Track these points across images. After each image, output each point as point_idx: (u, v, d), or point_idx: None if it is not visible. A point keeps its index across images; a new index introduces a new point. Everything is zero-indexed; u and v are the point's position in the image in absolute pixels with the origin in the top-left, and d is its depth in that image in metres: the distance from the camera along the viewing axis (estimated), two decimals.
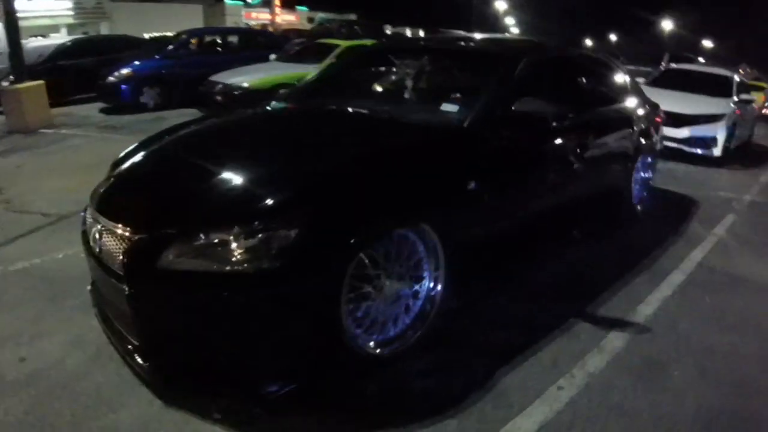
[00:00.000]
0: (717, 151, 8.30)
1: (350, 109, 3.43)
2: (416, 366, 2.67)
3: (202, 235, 2.16)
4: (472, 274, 3.02)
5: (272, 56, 10.52)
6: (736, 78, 9.60)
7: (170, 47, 10.87)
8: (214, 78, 8.98)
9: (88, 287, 2.87)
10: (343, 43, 10.34)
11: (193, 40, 11.44)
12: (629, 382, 2.76)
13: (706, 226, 5.37)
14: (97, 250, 2.44)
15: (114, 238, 2.33)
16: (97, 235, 2.45)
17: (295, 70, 8.97)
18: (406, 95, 3.78)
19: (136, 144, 3.22)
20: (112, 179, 2.84)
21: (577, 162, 3.88)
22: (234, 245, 2.12)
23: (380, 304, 2.55)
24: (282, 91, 4.37)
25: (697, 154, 8.23)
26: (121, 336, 2.44)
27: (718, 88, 9.01)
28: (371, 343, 2.55)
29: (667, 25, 39.55)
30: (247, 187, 2.41)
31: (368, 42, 9.85)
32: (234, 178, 2.48)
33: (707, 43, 44.50)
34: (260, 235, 2.12)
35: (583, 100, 4.30)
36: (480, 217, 2.95)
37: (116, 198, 2.65)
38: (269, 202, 2.23)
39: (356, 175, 2.48)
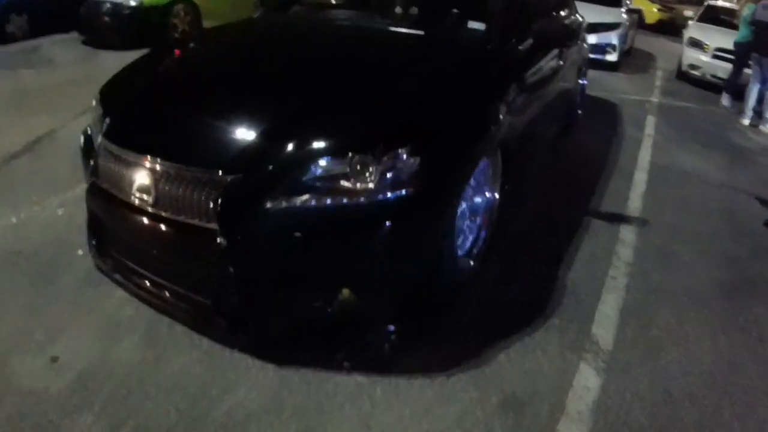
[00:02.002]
0: (614, 57, 9.35)
1: (384, 27, 3.45)
2: (490, 278, 2.99)
3: (315, 168, 2.04)
4: (514, 180, 3.33)
5: None
6: None
7: None
8: None
9: (92, 253, 2.58)
10: None
11: None
12: (656, 265, 3.37)
13: (636, 129, 6.27)
14: (145, 201, 2.16)
15: (186, 184, 2.07)
16: (145, 183, 2.15)
17: None
18: (409, 9, 3.87)
19: (133, 65, 3.02)
20: (140, 111, 2.51)
21: (556, 70, 4.33)
22: (357, 174, 2.04)
23: (463, 220, 2.81)
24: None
25: (598, 60, 9.19)
26: (189, 301, 2.25)
27: None
28: (461, 258, 2.80)
29: None
30: (355, 114, 2.31)
31: None
32: (325, 102, 2.38)
33: None
34: (385, 163, 2.06)
35: (548, 12, 4.70)
36: (515, 126, 3.22)
37: (172, 134, 2.31)
38: (388, 129, 2.22)
39: (449, 102, 2.53)
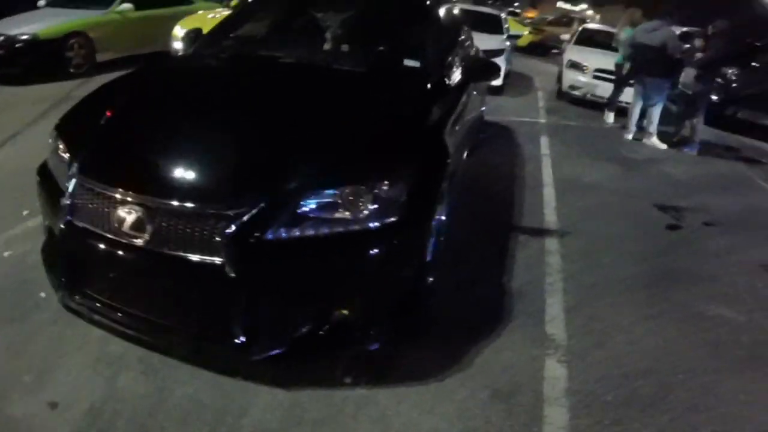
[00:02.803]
0: (500, 81, 10.18)
1: (327, 64, 3.69)
2: (449, 285, 3.29)
3: (311, 201, 2.24)
4: (454, 199, 3.65)
5: (42, 2, 9.62)
6: (503, 17, 11.74)
7: None
8: None
9: (62, 293, 2.57)
10: None
11: None
12: (582, 267, 3.85)
13: (533, 147, 6.97)
14: (139, 238, 2.24)
15: (186, 221, 2.20)
16: (138, 221, 2.23)
17: (85, 15, 8.82)
18: (341, 46, 4.12)
19: (90, 100, 3.13)
20: (120, 147, 2.59)
21: (472, 98, 4.79)
22: (351, 204, 2.27)
23: None
24: (197, 36, 4.20)
25: None
26: (188, 330, 2.38)
27: (492, 26, 10.92)
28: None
29: None
30: (340, 149, 2.50)
31: None
32: (307, 139, 2.56)
33: None
34: (374, 194, 2.29)
35: (461, 44, 5.20)
36: (453, 144, 3.51)
37: (163, 172, 2.39)
38: (373, 163, 2.47)
39: (417, 135, 2.81)
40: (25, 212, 3.82)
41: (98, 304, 2.48)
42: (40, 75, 7.83)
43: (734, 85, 9.61)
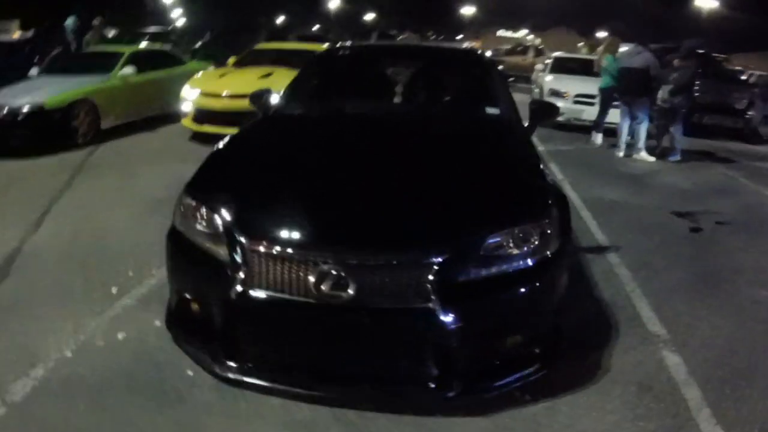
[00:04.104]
0: None
1: (420, 115, 4.16)
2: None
3: (489, 243, 2.52)
4: None
5: (34, 71, 9.71)
6: None
7: None
8: None
9: (227, 367, 2.59)
10: (126, 49, 10.19)
11: None
12: (648, 274, 4.56)
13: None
14: (340, 296, 2.37)
15: (388, 273, 2.39)
16: (341, 280, 2.37)
17: (88, 82, 8.81)
18: (422, 97, 4.56)
19: (218, 159, 3.26)
20: (289, 209, 2.68)
21: None
22: (521, 241, 2.59)
23: None
24: (265, 95, 4.43)
25: None
26: (391, 377, 2.61)
27: None
28: None
29: (333, 3, 45.05)
30: (497, 193, 2.84)
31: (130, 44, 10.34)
32: (460, 183, 2.90)
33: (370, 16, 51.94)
34: (540, 229, 2.64)
35: None
36: None
37: (348, 229, 2.57)
38: (537, 201, 2.81)
39: (541, 173, 3.17)
40: (113, 289, 3.89)
41: (278, 371, 2.60)
42: (45, 146, 7.77)
43: (697, 94, 10.71)
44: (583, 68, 11.13)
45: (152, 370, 3.01)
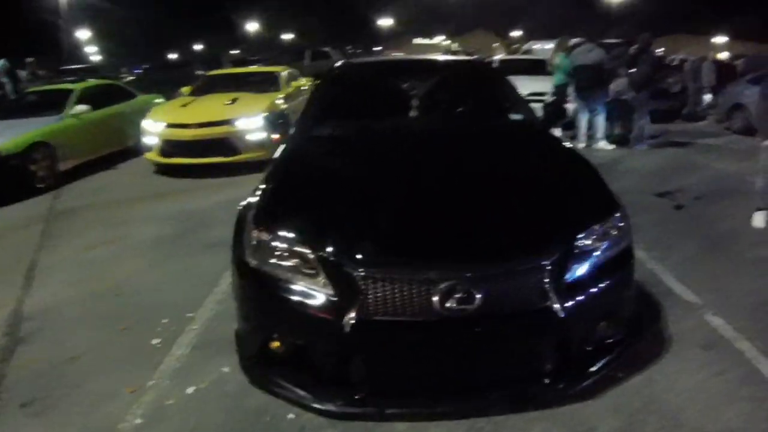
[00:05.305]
0: None
1: (451, 126, 4.30)
2: None
3: (581, 242, 2.74)
4: None
5: None
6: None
7: None
8: None
9: (361, 402, 2.58)
10: (74, 86, 9.84)
11: None
12: (661, 250, 4.98)
13: None
14: (467, 310, 2.44)
15: (507, 279, 2.52)
16: (466, 293, 2.43)
17: (42, 124, 8.46)
18: (447, 108, 4.67)
19: (275, 192, 3.13)
20: (400, 230, 2.71)
21: None
22: (604, 236, 2.84)
23: None
24: (281, 118, 4.55)
25: None
26: (515, 380, 2.72)
27: None
28: None
29: (252, 26, 44.93)
30: (572, 196, 3.06)
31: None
32: (533, 186, 3.12)
33: (288, 36, 51.96)
34: (617, 224, 2.93)
35: None
36: None
37: (458, 242, 2.63)
38: (609, 198, 3.13)
39: (595, 173, 3.44)
40: (154, 341, 3.56)
41: (400, 395, 2.64)
42: (2, 195, 7.29)
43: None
44: (533, 68, 11.63)
45: (250, 419, 2.79)
